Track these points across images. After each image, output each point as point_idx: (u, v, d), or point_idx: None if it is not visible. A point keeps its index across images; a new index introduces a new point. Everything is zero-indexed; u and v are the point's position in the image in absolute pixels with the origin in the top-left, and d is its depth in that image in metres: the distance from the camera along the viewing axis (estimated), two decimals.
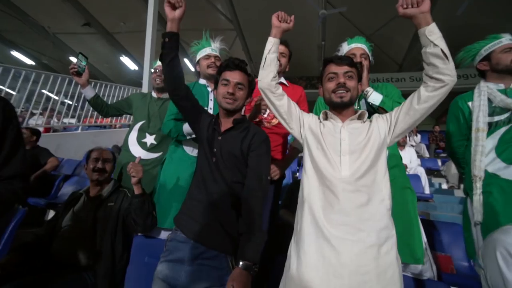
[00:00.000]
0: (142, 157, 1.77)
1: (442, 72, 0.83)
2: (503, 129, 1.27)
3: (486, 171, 1.26)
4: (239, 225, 0.93)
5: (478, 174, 1.26)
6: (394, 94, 1.36)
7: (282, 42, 1.55)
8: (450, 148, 1.51)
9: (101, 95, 5.17)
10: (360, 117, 1.02)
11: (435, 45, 0.82)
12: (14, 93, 4.16)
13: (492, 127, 1.30)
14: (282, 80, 1.62)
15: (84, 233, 1.28)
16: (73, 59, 9.43)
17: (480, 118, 1.30)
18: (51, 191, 2.63)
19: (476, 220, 1.23)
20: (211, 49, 1.64)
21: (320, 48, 9.27)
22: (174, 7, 1.07)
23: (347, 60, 1.01)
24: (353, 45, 1.43)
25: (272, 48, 1.05)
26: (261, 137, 1.06)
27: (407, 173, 3.70)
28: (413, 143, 6.17)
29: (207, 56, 1.60)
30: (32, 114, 4.74)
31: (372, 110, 1.31)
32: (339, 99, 0.98)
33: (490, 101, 1.32)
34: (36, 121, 4.60)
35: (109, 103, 2.07)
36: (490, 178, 1.24)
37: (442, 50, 0.82)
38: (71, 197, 1.47)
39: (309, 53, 9.68)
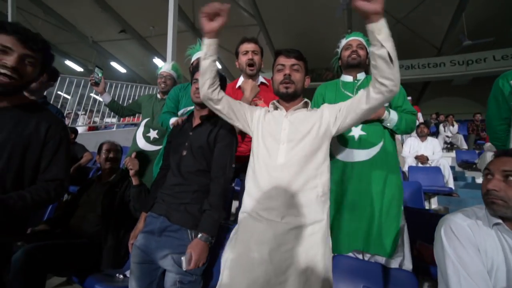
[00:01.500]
0: (146, 149, 2.04)
1: (385, 76, 0.79)
2: None
3: None
4: (203, 204, 1.06)
5: None
6: (400, 96, 1.33)
7: (249, 39, 1.58)
8: (490, 135, 1.39)
9: (135, 96, 5.69)
10: (304, 106, 1.06)
11: (382, 46, 0.76)
12: (69, 97, 4.90)
13: None
14: (261, 79, 1.61)
15: (94, 212, 1.53)
16: (114, 64, 10.40)
17: None
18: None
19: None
20: None
21: None
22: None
23: (295, 53, 1.04)
24: (351, 38, 1.43)
25: (207, 52, 0.96)
26: (226, 129, 1.17)
27: (428, 165, 3.46)
28: (449, 134, 5.63)
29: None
30: (76, 115, 5.45)
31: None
32: (285, 90, 1.02)
33: None
34: (81, 121, 5.30)
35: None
36: None
37: (388, 53, 0.76)
38: (86, 182, 1.74)
39: (335, 43, 9.24)
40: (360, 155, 1.26)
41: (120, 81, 5.47)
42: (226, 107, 1.04)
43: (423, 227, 1.54)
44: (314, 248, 0.84)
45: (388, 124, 1.29)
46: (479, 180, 3.89)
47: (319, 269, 0.83)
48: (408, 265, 1.22)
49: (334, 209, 1.24)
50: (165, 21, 5.12)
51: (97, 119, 5.54)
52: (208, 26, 0.91)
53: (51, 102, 2.59)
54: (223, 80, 1.23)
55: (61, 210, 1.70)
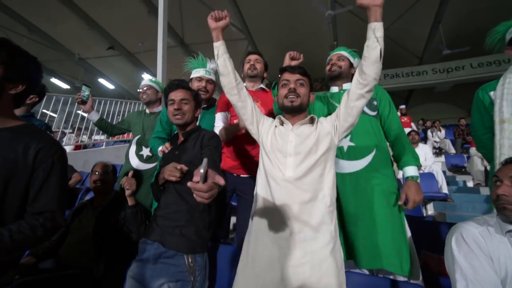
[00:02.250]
0: (140, 168, 1.95)
1: (369, 68, 0.90)
2: None
3: None
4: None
5: None
6: (386, 99, 1.38)
7: (253, 52, 1.69)
8: (477, 144, 1.45)
9: (125, 112, 5.57)
10: (310, 122, 1.07)
11: (377, 41, 0.89)
12: (55, 115, 4.75)
13: None
14: (261, 85, 1.68)
15: (86, 238, 1.43)
16: (102, 80, 10.27)
17: (504, 108, 1.19)
18: (75, 203, 2.91)
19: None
20: (205, 71, 1.70)
21: (333, 49, 9.12)
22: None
23: (300, 69, 1.09)
24: (332, 54, 1.50)
25: (218, 52, 1.07)
26: (209, 135, 1.17)
27: (421, 171, 3.51)
28: (437, 139, 5.78)
29: (200, 78, 1.68)
30: (63, 134, 5.29)
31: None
32: (290, 103, 1.04)
33: None
34: (68, 140, 5.13)
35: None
36: None
37: (380, 50, 0.89)
38: (78, 206, 1.64)
39: (322, 54, 9.48)
40: (351, 166, 1.27)
41: (108, 98, 5.38)
42: (249, 108, 1.09)
43: (424, 236, 1.53)
44: (328, 261, 0.83)
45: (413, 173, 1.26)
46: (470, 184, 3.97)
47: (333, 285, 0.82)
48: (416, 277, 1.19)
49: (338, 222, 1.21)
50: (154, 36, 5.14)
51: (85, 137, 5.40)
52: (214, 24, 1.07)
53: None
54: (199, 97, 1.29)
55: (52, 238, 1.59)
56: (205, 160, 0.64)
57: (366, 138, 1.29)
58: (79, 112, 4.94)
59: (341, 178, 1.27)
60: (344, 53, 1.47)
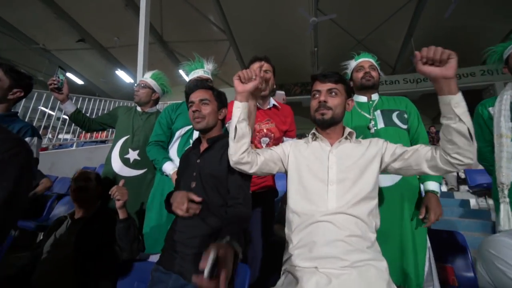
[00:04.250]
0: (125, 175, 1.71)
1: (464, 154, 0.72)
2: None
3: None
4: (221, 233, 0.86)
5: (505, 182, 1.22)
6: (415, 115, 1.34)
7: (263, 58, 1.51)
8: (478, 156, 1.46)
9: (97, 109, 5.14)
10: (349, 136, 0.98)
11: (460, 120, 0.70)
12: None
13: None
14: (272, 101, 1.55)
15: (65, 259, 1.20)
16: (69, 75, 9.44)
17: (502, 123, 1.26)
18: (42, 213, 2.59)
19: (497, 229, 1.21)
20: (203, 71, 1.62)
21: (313, 55, 9.36)
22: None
23: (333, 76, 0.96)
24: (361, 59, 1.42)
25: (241, 115, 0.90)
26: None
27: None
28: None
29: (198, 78, 1.58)
30: None
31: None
32: (321, 116, 0.95)
33: None
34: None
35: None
36: None
37: (468, 129, 0.70)
38: (55, 221, 1.40)
39: (303, 59, 9.77)
40: (384, 180, 1.21)
41: (76, 94, 4.90)
42: (262, 163, 0.95)
43: (435, 246, 1.56)
44: None
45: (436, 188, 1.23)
46: (444, 188, 4.26)
47: None
48: None
49: None
50: (131, 31, 4.90)
51: (50, 136, 4.88)
52: (241, 87, 0.93)
53: None
54: (223, 96, 1.13)
55: (19, 259, 1.32)
56: (212, 253, 0.62)
57: None
58: (43, 108, 4.41)
59: None
60: (374, 62, 1.42)
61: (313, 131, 1.01)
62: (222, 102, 1.11)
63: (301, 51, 9.30)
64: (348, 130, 0.98)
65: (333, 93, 0.95)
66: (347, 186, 0.86)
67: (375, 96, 1.40)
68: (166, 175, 1.45)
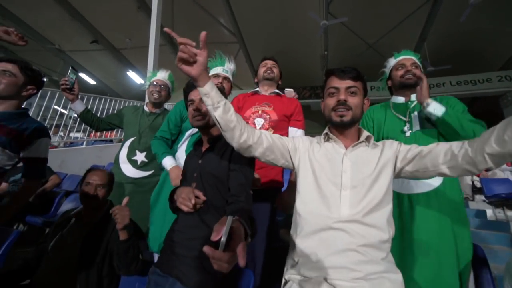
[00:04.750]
0: (133, 176, 1.73)
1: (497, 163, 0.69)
2: None
3: None
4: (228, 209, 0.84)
5: None
6: (459, 107, 1.20)
7: (268, 58, 1.61)
8: None
9: (107, 109, 5.22)
10: (366, 140, 0.91)
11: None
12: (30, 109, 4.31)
13: None
14: (276, 90, 1.61)
15: (70, 261, 1.17)
16: (83, 75, 9.68)
17: None
18: (50, 209, 2.61)
19: None
20: (222, 69, 1.62)
21: (323, 58, 9.29)
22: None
23: (351, 73, 0.87)
24: (401, 57, 1.33)
25: (210, 101, 0.78)
26: None
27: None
28: None
29: (216, 75, 1.57)
30: None
31: (430, 124, 1.17)
32: (339, 118, 0.87)
33: None
34: None
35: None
36: None
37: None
38: (62, 217, 1.36)
39: (312, 63, 9.71)
40: (419, 186, 1.10)
41: (89, 94, 5.00)
42: (266, 148, 0.88)
43: None
44: None
45: (433, 110, 1.10)
46: None
47: None
48: None
49: (397, 250, 1.03)
50: (142, 33, 4.95)
51: (62, 135, 4.99)
52: (194, 69, 0.76)
53: None
54: (223, 92, 1.07)
55: (26, 253, 1.29)
56: (229, 219, 0.52)
57: None
58: (57, 107, 4.54)
59: (407, 200, 1.11)
60: (416, 60, 1.32)
61: (326, 131, 0.95)
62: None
63: (311, 54, 9.24)
64: (366, 133, 0.91)
65: (353, 92, 0.88)
66: (362, 193, 0.80)
67: (414, 97, 1.27)
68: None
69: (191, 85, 1.04)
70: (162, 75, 1.92)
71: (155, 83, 1.88)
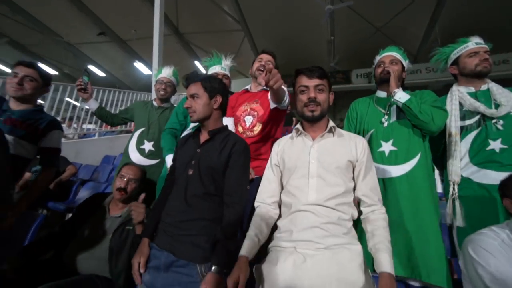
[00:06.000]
0: (141, 163, 1.85)
1: None
2: (473, 133, 1.28)
3: (461, 176, 1.26)
4: (216, 232, 0.95)
5: (454, 179, 1.26)
6: (429, 98, 1.31)
7: (267, 51, 1.59)
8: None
9: (117, 100, 5.36)
10: (331, 131, 1.02)
11: None
12: (43, 102, 4.52)
13: (463, 131, 1.31)
14: (265, 87, 1.55)
15: (99, 253, 1.25)
16: (92, 67, 9.82)
17: (453, 122, 1.32)
18: (69, 196, 2.83)
19: (454, 224, 1.23)
20: (220, 67, 1.71)
21: (330, 43, 9.09)
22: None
23: (318, 72, 0.99)
24: (384, 54, 1.43)
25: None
26: (240, 147, 1.05)
27: None
28: None
29: (215, 74, 1.66)
30: None
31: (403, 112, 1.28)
32: (310, 113, 0.98)
33: (461, 104, 1.34)
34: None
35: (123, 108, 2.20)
36: (465, 183, 1.24)
37: None
38: (89, 204, 1.43)
39: (319, 49, 9.54)
40: (394, 171, 1.22)
41: (99, 86, 5.17)
42: (280, 199, 1.05)
43: None
44: (355, 274, 0.80)
45: (399, 98, 1.24)
46: None
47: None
48: None
49: None
50: (147, 24, 4.98)
51: (76, 126, 5.21)
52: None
53: None
54: (214, 83, 1.10)
55: (50, 238, 1.33)
56: None
57: (410, 141, 1.25)
58: (69, 100, 4.74)
59: (387, 184, 1.23)
60: (397, 55, 1.41)
61: (298, 126, 1.06)
62: (214, 90, 1.07)
63: (317, 40, 9.06)
64: (331, 123, 1.03)
65: (320, 89, 0.99)
66: (326, 181, 0.93)
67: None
68: None
69: (185, 84, 1.13)
70: (167, 72, 2.06)
71: (160, 80, 2.03)
